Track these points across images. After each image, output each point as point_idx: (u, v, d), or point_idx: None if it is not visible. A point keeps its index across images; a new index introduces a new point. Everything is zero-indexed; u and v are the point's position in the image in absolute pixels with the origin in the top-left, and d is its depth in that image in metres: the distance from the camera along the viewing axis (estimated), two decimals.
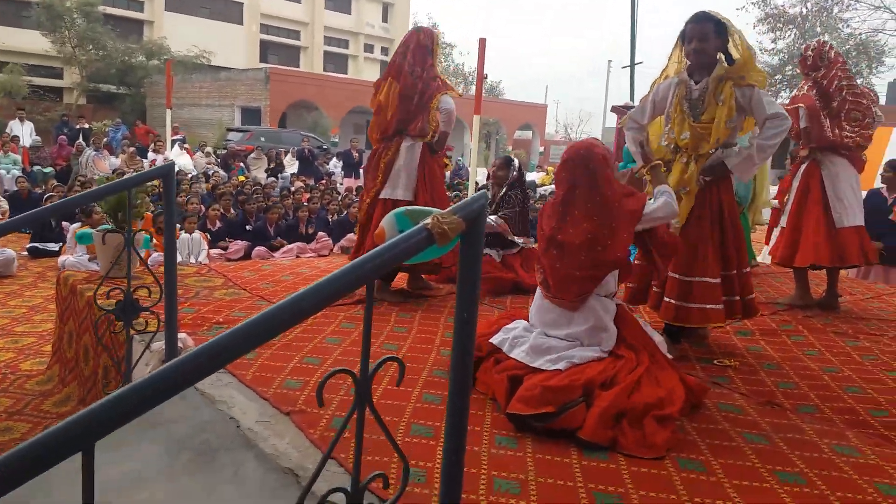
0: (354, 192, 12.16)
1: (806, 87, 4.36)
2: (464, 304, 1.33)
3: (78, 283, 4.36)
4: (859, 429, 2.53)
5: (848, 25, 27.43)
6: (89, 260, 6.83)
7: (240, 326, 1.12)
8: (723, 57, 3.12)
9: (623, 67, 14.57)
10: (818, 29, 28.31)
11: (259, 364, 2.93)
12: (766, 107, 3.06)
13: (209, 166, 15.61)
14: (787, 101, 4.79)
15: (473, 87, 9.47)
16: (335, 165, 17.40)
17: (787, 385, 2.99)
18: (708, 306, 3.11)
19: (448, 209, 1.26)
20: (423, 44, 4.20)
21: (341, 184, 15.62)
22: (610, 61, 38.74)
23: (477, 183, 10.22)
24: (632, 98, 13.10)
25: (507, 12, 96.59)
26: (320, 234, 9.65)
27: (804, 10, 28.09)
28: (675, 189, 3.15)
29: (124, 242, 2.89)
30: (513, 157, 5.17)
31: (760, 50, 29.73)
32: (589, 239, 2.62)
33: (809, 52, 4.36)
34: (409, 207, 1.66)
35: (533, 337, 2.68)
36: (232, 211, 9.51)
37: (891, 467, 2.20)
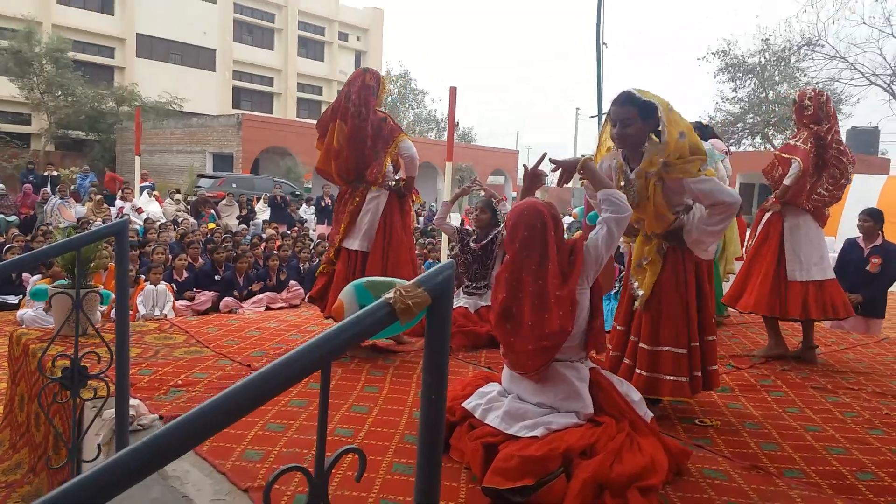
0: (327, 240, 12.03)
1: (803, 139, 4.18)
2: (431, 385, 1.21)
3: (31, 342, 4.13)
4: (847, 494, 2.43)
5: (805, 74, 28.38)
6: (49, 313, 6.57)
7: (165, 430, 0.98)
8: (654, 138, 2.85)
9: (591, 117, 14.82)
10: (777, 78, 29.29)
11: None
12: (708, 196, 2.85)
13: (179, 213, 15.38)
14: (749, 150, 4.81)
15: (445, 134, 9.50)
16: (305, 211, 17.28)
17: (771, 446, 2.88)
18: (679, 378, 2.99)
19: (412, 281, 1.15)
20: (367, 84, 4.11)
21: (314, 230, 15.48)
22: (578, 109, 39.55)
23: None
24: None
25: (479, 60, 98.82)
26: (292, 282, 9.46)
27: (762, 60, 29.07)
28: (637, 260, 3.07)
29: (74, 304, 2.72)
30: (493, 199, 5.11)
31: (722, 99, 30.68)
32: (535, 306, 2.44)
33: (808, 102, 4.20)
34: (371, 279, 1.55)
35: (508, 402, 2.55)
36: (200, 260, 9.30)
37: None
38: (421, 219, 17.02)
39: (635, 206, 2.90)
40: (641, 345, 3.06)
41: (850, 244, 5.62)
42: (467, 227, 5.45)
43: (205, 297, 8.82)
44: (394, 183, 4.27)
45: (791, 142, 4.30)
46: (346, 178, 4.22)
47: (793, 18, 46.64)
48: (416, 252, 4.95)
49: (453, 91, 8.18)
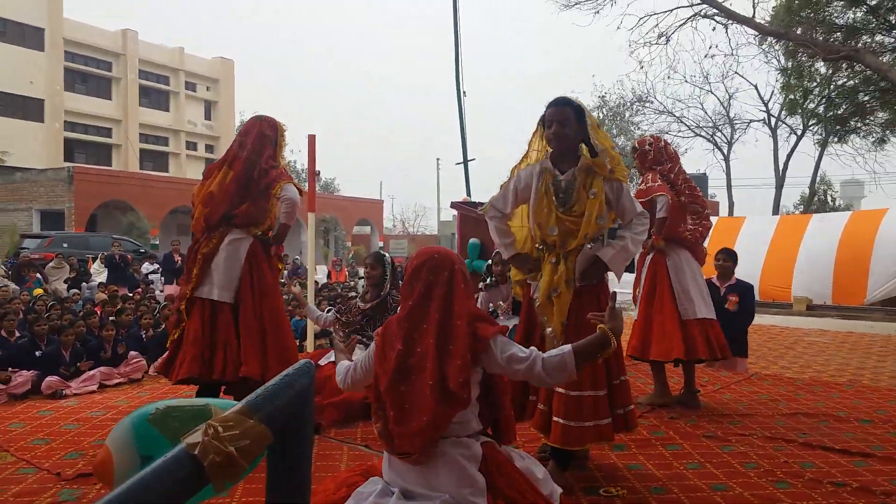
0: (174, 302, 10.88)
1: (651, 178, 4.27)
2: None
3: None
4: None
5: (638, 128, 30.84)
6: None
7: None
8: (585, 147, 2.92)
9: (457, 164, 14.94)
10: (615, 131, 31.60)
11: None
12: (635, 203, 2.99)
13: None
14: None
15: (306, 184, 9.02)
16: (147, 268, 15.75)
17: None
18: (601, 422, 2.76)
19: (235, 408, 0.67)
20: (263, 133, 3.80)
21: (161, 291, 14.09)
22: (438, 159, 40.33)
23: (317, 283, 9.50)
24: (468, 194, 13.33)
25: (337, 110, 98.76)
26: (132, 354, 8.29)
27: (601, 115, 31.32)
28: (547, 292, 2.85)
29: None
30: (382, 252, 4.64)
31: None
32: (436, 361, 2.10)
33: (648, 147, 4.34)
34: (161, 407, 1.00)
35: (393, 502, 2.05)
36: (17, 334, 7.92)
37: None
38: (285, 272, 16.10)
39: (569, 210, 2.86)
40: (559, 389, 2.75)
41: (707, 285, 5.68)
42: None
43: (22, 378, 7.46)
44: (260, 233, 3.72)
45: (642, 186, 4.36)
46: (208, 224, 3.69)
47: (624, 77, 51.06)
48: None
49: (312, 139, 7.71)
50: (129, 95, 36.42)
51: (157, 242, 23.09)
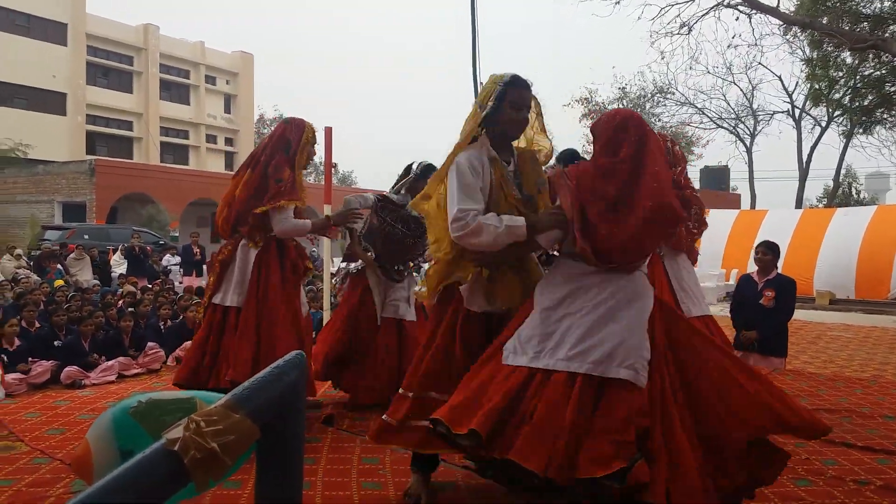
0: (195, 293, 10.94)
1: None
2: None
3: None
4: None
5: (659, 119, 30.52)
6: None
7: None
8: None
9: None
10: None
11: None
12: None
13: (19, 271, 13.61)
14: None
15: (323, 177, 9.04)
16: (168, 261, 15.89)
17: None
18: None
19: (220, 401, 0.64)
20: (285, 137, 3.69)
21: (180, 282, 14.21)
22: None
23: (332, 275, 9.51)
24: None
25: (357, 104, 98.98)
26: (150, 344, 8.36)
27: (621, 107, 31.04)
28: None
29: None
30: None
31: (588, 142, 32.32)
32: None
33: None
34: (147, 398, 0.97)
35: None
36: (38, 324, 8.02)
37: None
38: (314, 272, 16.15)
39: (525, 201, 2.58)
40: None
41: (745, 279, 5.44)
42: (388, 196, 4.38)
43: (42, 368, 7.55)
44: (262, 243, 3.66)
45: None
46: (224, 228, 3.75)
47: (645, 68, 50.52)
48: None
49: (329, 131, 7.72)
50: (150, 89, 36.78)
51: (177, 234, 23.26)
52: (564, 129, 67.12)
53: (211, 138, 40.77)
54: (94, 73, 35.00)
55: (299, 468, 0.72)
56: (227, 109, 41.95)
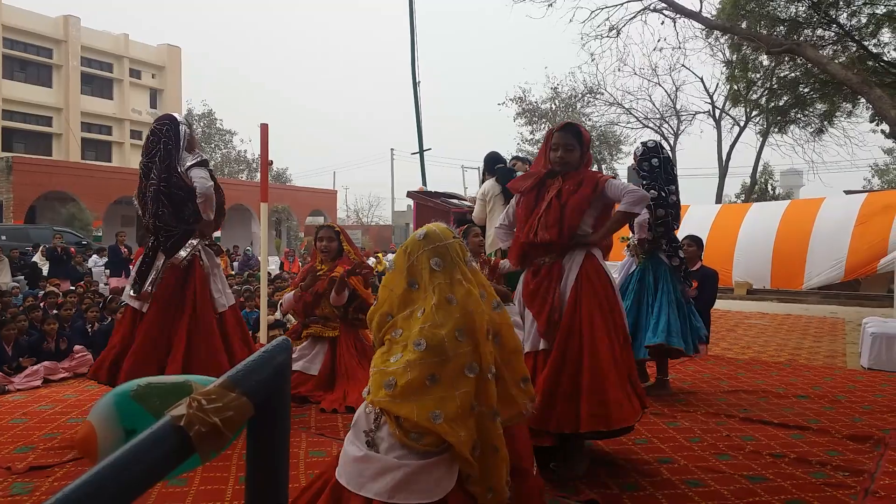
0: (121, 294, 10.58)
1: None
2: None
3: None
4: None
5: (589, 119, 31.32)
6: None
7: None
8: None
9: (412, 154, 14.91)
10: None
11: None
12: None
13: None
14: None
15: (258, 174, 8.87)
16: (95, 262, 15.30)
17: (631, 487, 2.73)
18: None
19: (217, 382, 0.71)
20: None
21: (106, 283, 13.69)
22: (392, 149, 40.01)
23: (270, 273, 9.39)
24: (424, 183, 13.34)
25: (287, 100, 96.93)
26: (77, 347, 8.06)
27: (553, 107, 31.70)
28: None
29: None
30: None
31: (523, 140, 32.88)
32: None
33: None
34: (145, 381, 1.02)
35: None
36: None
37: None
38: (235, 264, 15.80)
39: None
40: None
41: None
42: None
43: None
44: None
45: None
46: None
47: (576, 69, 51.63)
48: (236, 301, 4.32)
49: (265, 128, 7.60)
50: (70, 83, 35.09)
51: (101, 234, 22.38)
52: (501, 128, 67.87)
53: (136, 134, 39.22)
54: (10, 66, 33.14)
55: (287, 444, 0.80)
56: (153, 104, 40.46)
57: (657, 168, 4.32)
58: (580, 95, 30.97)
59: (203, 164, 3.67)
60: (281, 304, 4.71)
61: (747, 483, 2.78)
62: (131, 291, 3.76)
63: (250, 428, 0.74)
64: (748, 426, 3.63)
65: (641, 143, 4.54)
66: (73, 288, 12.30)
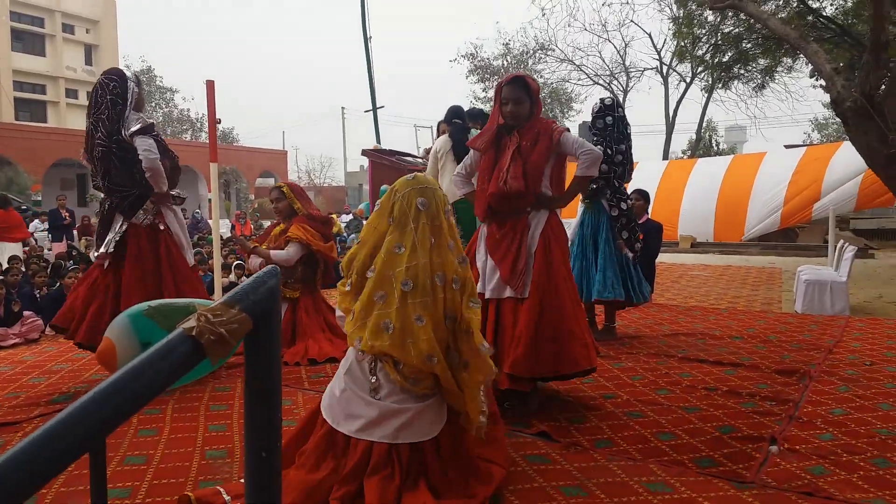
0: (67, 259, 10.37)
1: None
2: (258, 439, 0.90)
3: None
4: (656, 458, 2.54)
5: (541, 76, 31.42)
6: None
7: None
8: None
9: (366, 111, 14.79)
10: None
11: None
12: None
13: None
14: None
15: (203, 134, 8.73)
16: (36, 227, 14.87)
17: (578, 419, 2.96)
18: None
19: (222, 299, 0.83)
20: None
21: (49, 249, 13.35)
22: (343, 108, 39.38)
23: (222, 236, 9.32)
24: (378, 141, 13.30)
25: (231, 56, 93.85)
26: (27, 313, 7.93)
27: (505, 63, 31.62)
28: None
29: None
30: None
31: (475, 98, 32.77)
32: None
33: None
34: (155, 303, 1.14)
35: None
36: None
37: (702, 498, 2.20)
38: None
39: None
40: None
41: None
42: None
43: None
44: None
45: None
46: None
47: (527, 25, 51.32)
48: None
49: (211, 84, 7.43)
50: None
51: (40, 199, 21.61)
52: (454, 86, 67.31)
53: (71, 93, 37.55)
54: None
55: (279, 359, 0.92)
56: (89, 61, 38.66)
57: (610, 126, 4.50)
58: (532, 52, 30.95)
59: (147, 130, 3.62)
60: (249, 265, 4.76)
61: (683, 413, 3.04)
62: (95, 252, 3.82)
63: (247, 341, 0.87)
64: (686, 364, 3.92)
65: (600, 98, 4.70)
66: (17, 255, 11.95)
